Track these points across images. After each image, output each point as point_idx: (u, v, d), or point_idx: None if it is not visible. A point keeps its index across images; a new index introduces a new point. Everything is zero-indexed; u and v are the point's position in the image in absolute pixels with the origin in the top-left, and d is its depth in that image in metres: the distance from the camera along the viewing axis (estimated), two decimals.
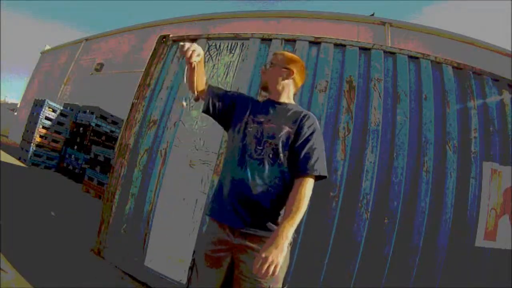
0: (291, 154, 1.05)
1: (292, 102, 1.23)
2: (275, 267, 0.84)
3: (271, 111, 1.14)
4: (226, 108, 1.19)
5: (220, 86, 1.29)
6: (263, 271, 0.83)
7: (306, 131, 1.07)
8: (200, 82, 1.15)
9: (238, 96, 1.25)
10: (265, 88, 1.23)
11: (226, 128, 1.23)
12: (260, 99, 1.32)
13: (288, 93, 1.21)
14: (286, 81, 1.19)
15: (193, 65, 1.03)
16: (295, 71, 1.19)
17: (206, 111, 1.19)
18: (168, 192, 2.10)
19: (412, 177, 1.85)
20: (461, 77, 2.10)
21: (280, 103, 1.18)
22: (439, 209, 1.79)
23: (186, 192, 2.05)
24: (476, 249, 1.76)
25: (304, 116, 1.11)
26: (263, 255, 0.85)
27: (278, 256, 0.85)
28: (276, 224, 1.02)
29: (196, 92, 1.15)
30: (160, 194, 2.11)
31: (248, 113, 1.16)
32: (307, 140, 1.05)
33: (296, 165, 1.03)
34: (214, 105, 1.17)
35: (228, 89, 1.30)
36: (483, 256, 1.76)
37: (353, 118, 1.96)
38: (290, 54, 1.24)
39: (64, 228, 2.67)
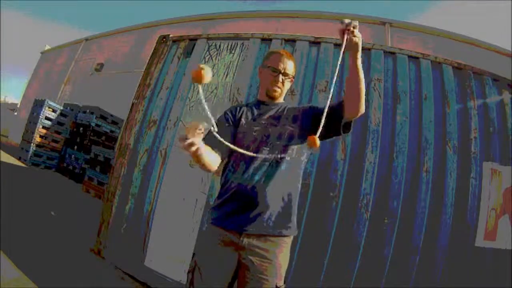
0: (328, 122, 0.93)
1: (283, 100, 1.25)
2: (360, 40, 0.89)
3: (270, 113, 1.16)
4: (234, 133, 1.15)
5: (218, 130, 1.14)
6: (356, 37, 0.87)
7: (308, 108, 1.15)
8: (214, 159, 1.01)
9: (232, 115, 1.19)
10: (273, 97, 1.19)
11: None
12: (252, 101, 1.31)
13: (285, 93, 1.24)
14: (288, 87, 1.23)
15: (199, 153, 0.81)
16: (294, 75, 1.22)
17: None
18: (168, 192, 2.10)
19: (412, 177, 1.85)
20: (461, 77, 2.10)
21: (275, 104, 1.20)
22: (439, 209, 1.79)
23: (186, 192, 2.05)
24: (476, 249, 1.76)
25: (298, 110, 1.17)
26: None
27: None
28: (284, 222, 1.05)
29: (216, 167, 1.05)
30: (160, 194, 2.11)
31: (247, 120, 1.16)
32: (316, 108, 1.13)
33: (337, 110, 1.04)
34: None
35: (222, 120, 1.18)
36: (483, 256, 1.76)
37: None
38: (293, 58, 1.21)
39: (64, 228, 2.67)
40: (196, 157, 0.85)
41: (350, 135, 1.92)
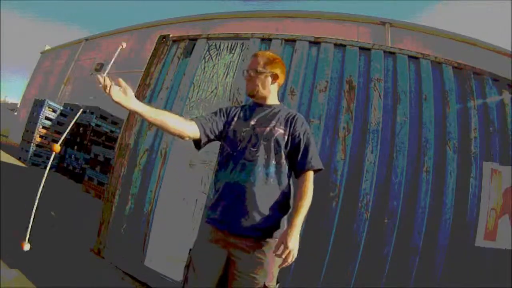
0: (289, 155, 1.13)
1: (278, 102, 1.27)
2: (294, 254, 0.93)
3: (261, 115, 1.18)
4: (222, 128, 1.19)
5: (205, 115, 1.22)
6: (287, 261, 0.91)
7: (299, 132, 1.14)
8: (180, 125, 1.06)
9: (228, 112, 1.24)
10: (252, 95, 1.23)
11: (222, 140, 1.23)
12: (248, 103, 1.33)
13: (274, 95, 1.25)
14: (272, 85, 1.22)
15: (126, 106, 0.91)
16: (279, 73, 1.21)
17: (205, 143, 1.18)
18: (168, 192, 2.10)
19: (412, 177, 1.85)
20: (461, 77, 2.09)
21: (268, 106, 1.22)
22: (439, 209, 1.79)
23: (186, 192, 2.05)
24: (476, 249, 1.76)
25: (293, 118, 1.17)
26: (285, 248, 0.91)
27: (296, 245, 0.93)
28: (272, 223, 1.06)
29: (184, 138, 1.11)
30: (160, 194, 2.11)
31: (238, 119, 1.19)
32: (301, 140, 1.13)
33: (296, 165, 1.11)
34: (209, 137, 1.17)
35: (213, 110, 1.26)
36: (483, 256, 1.76)
37: (353, 118, 1.96)
38: (270, 55, 1.23)
39: (64, 228, 2.67)
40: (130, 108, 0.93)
41: (350, 135, 1.92)
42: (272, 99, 1.24)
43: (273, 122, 1.14)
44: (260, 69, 1.18)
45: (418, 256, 1.73)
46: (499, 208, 1.85)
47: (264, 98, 1.22)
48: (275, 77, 1.21)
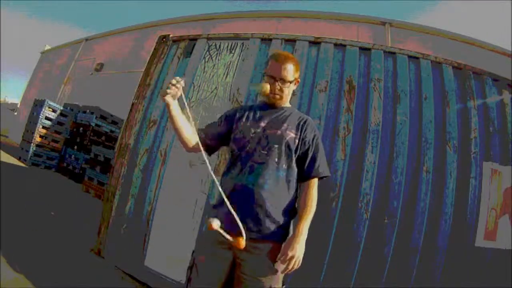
0: (297, 160, 1.12)
1: (289, 104, 1.25)
2: (299, 261, 0.98)
3: (272, 117, 1.16)
4: (223, 136, 1.21)
5: (209, 123, 1.29)
6: (290, 267, 0.96)
7: (309, 138, 1.13)
8: (189, 135, 1.15)
9: (232, 115, 1.22)
10: (273, 104, 1.19)
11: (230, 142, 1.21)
12: (256, 103, 1.32)
13: (289, 97, 1.22)
14: (292, 89, 1.21)
15: (166, 102, 1.08)
16: (298, 76, 1.20)
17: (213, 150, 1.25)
18: (168, 192, 2.10)
19: (412, 177, 1.85)
20: (461, 77, 2.10)
21: (279, 108, 1.19)
22: (439, 209, 1.79)
23: (186, 192, 2.05)
24: (476, 249, 1.76)
25: (305, 122, 1.16)
26: (290, 254, 0.95)
27: (301, 252, 0.98)
28: (279, 226, 1.05)
29: (189, 147, 1.18)
30: (160, 194, 2.11)
31: (247, 121, 1.16)
32: (310, 146, 1.13)
33: (303, 170, 1.12)
34: (214, 145, 1.22)
35: (217, 118, 1.29)
36: (483, 256, 1.76)
37: (353, 118, 1.96)
38: (293, 60, 1.16)
39: (64, 228, 2.67)
40: (168, 106, 1.10)
41: (350, 135, 1.92)
42: (286, 101, 1.21)
43: (285, 125, 1.12)
44: (290, 79, 1.13)
45: (418, 256, 1.73)
46: (499, 208, 1.85)
47: (281, 101, 1.19)
48: (297, 82, 1.21)
